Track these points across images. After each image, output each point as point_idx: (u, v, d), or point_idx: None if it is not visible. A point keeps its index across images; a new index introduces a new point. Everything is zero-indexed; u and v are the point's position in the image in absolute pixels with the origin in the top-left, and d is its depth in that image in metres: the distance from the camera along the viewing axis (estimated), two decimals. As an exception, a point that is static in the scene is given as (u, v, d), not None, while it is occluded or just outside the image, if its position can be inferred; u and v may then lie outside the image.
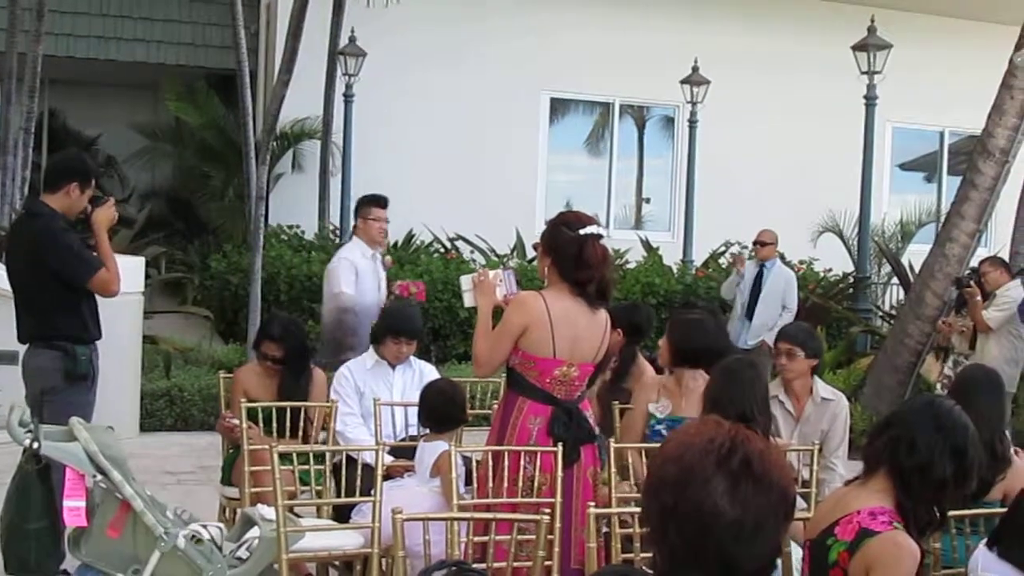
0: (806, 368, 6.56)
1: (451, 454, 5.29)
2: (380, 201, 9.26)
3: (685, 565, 2.28)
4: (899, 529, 3.67)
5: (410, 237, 16.82)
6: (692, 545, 2.25)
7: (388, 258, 9.78)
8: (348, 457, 6.42)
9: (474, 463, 5.49)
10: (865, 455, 3.94)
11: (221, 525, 5.14)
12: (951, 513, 4.23)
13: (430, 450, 5.77)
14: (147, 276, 11.80)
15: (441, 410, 6.05)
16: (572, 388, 5.29)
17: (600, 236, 5.30)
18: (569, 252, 5.22)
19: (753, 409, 5.09)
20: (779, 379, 6.73)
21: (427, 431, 6.13)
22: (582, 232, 5.23)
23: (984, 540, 4.44)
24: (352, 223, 9.61)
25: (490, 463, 5.19)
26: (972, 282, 10.77)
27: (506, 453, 5.18)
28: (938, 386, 10.40)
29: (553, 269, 5.29)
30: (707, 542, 2.24)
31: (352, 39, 16.23)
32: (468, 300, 5.68)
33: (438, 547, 4.57)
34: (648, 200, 20.52)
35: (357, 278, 8.88)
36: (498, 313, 5.43)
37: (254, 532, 5.01)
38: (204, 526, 4.82)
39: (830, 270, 16.57)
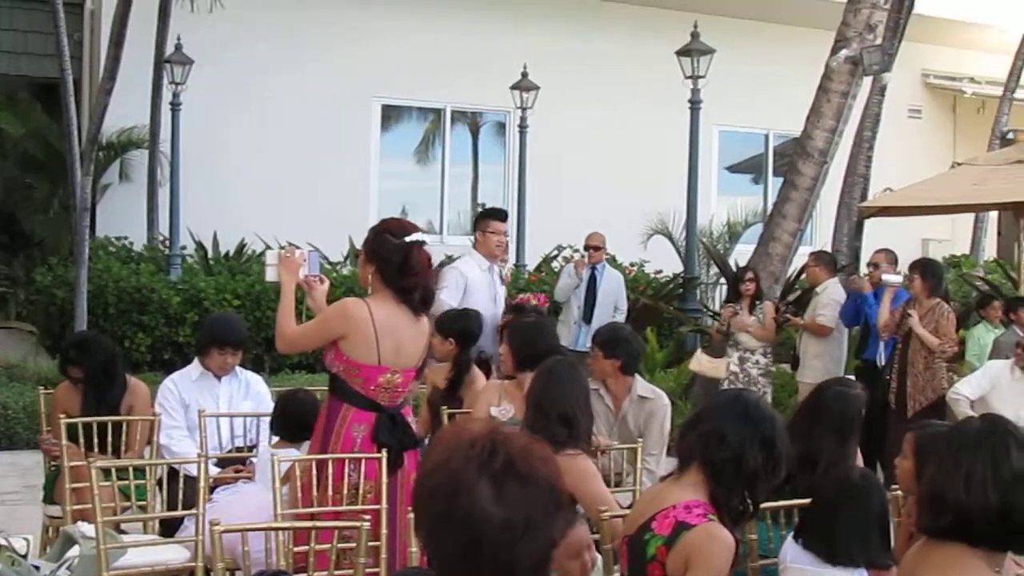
0: (609, 368, 6.66)
1: (308, 463, 5.27)
2: (499, 214, 9.14)
3: (460, 572, 2.28)
4: (714, 521, 3.76)
5: (242, 246, 16.63)
6: (465, 552, 2.24)
7: (507, 272, 9.54)
8: (173, 470, 6.34)
9: (297, 471, 5.46)
10: (678, 450, 4.02)
11: (30, 537, 5.03)
12: (764, 505, 4.35)
13: (282, 457, 5.71)
14: (-33, 292, 11.47)
15: (301, 419, 6.04)
16: (396, 395, 5.32)
17: (424, 243, 5.33)
18: (394, 260, 5.24)
19: (575, 410, 5.16)
20: None
21: (275, 439, 6.11)
22: (407, 240, 5.26)
23: (792, 532, 4.58)
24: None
25: (314, 471, 5.17)
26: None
27: (330, 461, 5.17)
28: (725, 383, 10.56)
29: (377, 276, 5.31)
30: (479, 548, 2.22)
31: (178, 47, 15.98)
32: (270, 275, 5.71)
33: (270, 556, 4.55)
34: (484, 205, 20.58)
35: (466, 291, 8.62)
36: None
37: (75, 551, 4.92)
38: (6, 538, 4.71)
39: (660, 271, 16.84)
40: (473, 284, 8.69)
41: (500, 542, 2.22)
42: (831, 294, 10.73)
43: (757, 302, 10.75)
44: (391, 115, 19.45)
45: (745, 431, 3.83)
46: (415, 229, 5.35)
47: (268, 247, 14.87)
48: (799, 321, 11.06)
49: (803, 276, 12.52)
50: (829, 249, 13.00)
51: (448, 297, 8.39)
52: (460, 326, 7.48)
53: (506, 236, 9.14)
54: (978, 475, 3.15)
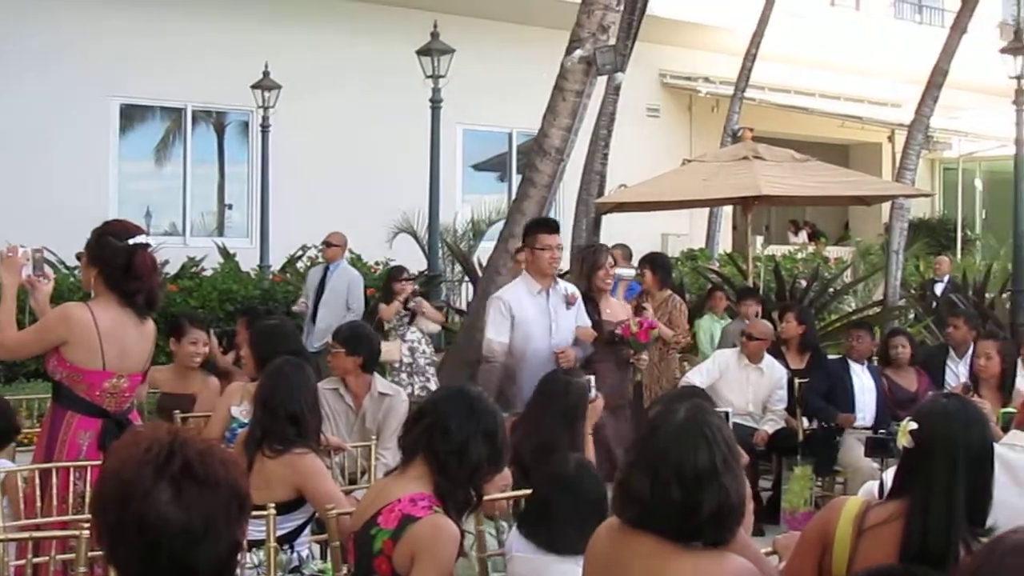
0: (350, 366, 6.75)
1: (31, 473, 5.13)
2: (550, 226, 7.58)
3: None
4: (439, 513, 3.82)
5: (-28, 252, 15.98)
6: (143, 560, 2.21)
7: (573, 291, 7.59)
8: None
9: (20, 481, 5.31)
10: (403, 444, 4.08)
11: None
12: (488, 497, 4.44)
13: (-3, 468, 5.55)
14: None
15: None
16: (122, 400, 5.24)
17: (148, 246, 5.24)
18: (117, 263, 5.13)
19: (303, 409, 5.18)
20: None
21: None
22: (131, 242, 5.16)
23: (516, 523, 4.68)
24: None
25: (38, 481, 5.04)
26: None
27: (55, 470, 5.05)
28: (400, 365, 10.69)
29: (100, 280, 5.19)
30: (158, 554, 2.19)
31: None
32: None
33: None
34: (231, 206, 20.35)
35: (515, 321, 7.19)
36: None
37: None
38: None
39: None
40: (522, 315, 7.23)
41: (179, 545, 2.19)
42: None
43: (412, 301, 11.03)
44: (131, 115, 19.03)
45: (469, 424, 3.91)
46: (139, 231, 5.25)
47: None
48: None
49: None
50: (568, 244, 13.25)
51: (495, 335, 7.20)
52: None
53: (560, 249, 7.49)
54: (664, 472, 3.07)
